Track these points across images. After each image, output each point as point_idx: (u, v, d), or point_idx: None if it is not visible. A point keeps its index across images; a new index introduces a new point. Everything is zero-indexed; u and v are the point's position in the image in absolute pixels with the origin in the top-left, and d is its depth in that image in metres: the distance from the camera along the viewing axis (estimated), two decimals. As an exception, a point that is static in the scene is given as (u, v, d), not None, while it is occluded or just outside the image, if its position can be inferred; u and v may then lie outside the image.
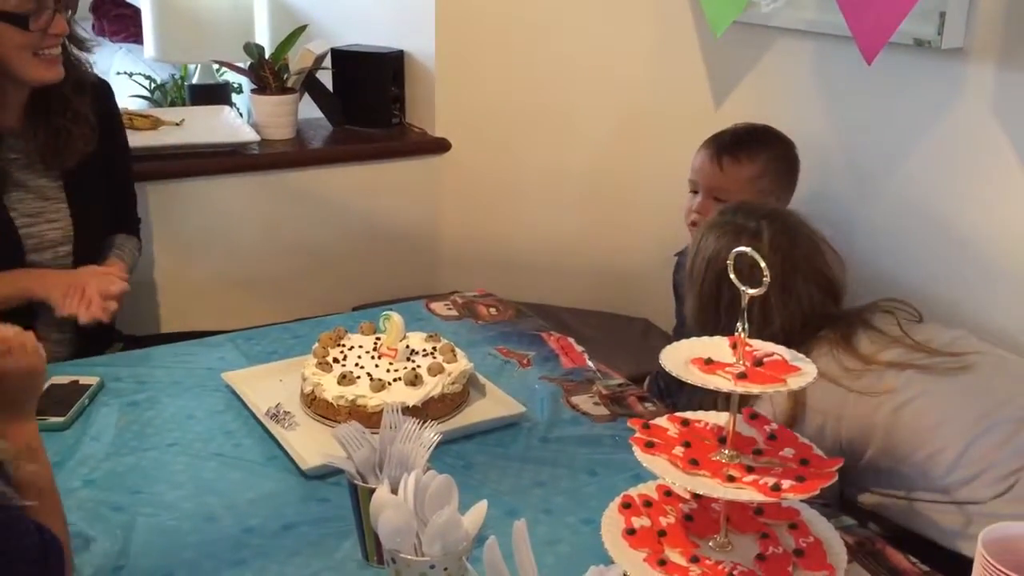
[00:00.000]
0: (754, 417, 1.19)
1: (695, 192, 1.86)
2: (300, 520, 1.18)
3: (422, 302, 1.88)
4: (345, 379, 1.39)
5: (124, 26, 4.21)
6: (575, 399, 1.51)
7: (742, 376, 1.06)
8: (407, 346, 1.50)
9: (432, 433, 1.10)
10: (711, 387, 1.04)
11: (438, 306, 1.86)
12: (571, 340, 1.73)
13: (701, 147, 1.86)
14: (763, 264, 1.04)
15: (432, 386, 1.40)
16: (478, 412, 1.43)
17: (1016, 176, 1.61)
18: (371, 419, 1.31)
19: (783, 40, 2.01)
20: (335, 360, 1.45)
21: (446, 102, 2.46)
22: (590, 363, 1.64)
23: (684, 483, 1.05)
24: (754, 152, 1.82)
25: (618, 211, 2.49)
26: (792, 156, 1.86)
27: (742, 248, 1.09)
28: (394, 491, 0.99)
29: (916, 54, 1.69)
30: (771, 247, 1.44)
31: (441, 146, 2.49)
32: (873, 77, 1.76)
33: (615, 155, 2.46)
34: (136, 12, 3.46)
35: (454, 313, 1.83)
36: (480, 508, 0.97)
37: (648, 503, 1.19)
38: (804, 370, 1.09)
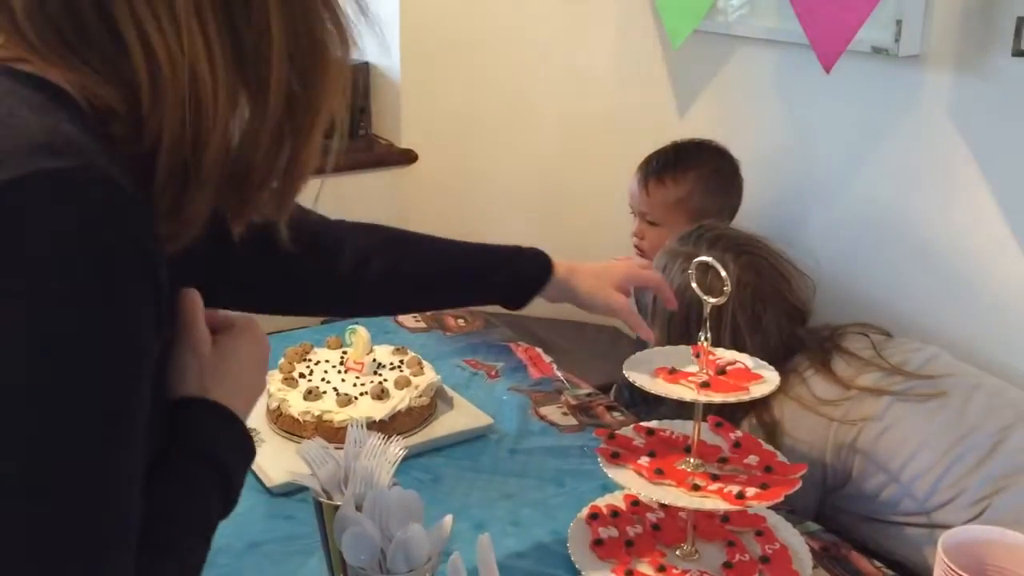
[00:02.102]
0: (719, 425, 1.20)
1: (634, 215, 1.90)
2: (266, 538, 1.17)
3: (389, 314, 1.87)
4: (311, 394, 1.38)
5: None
6: (543, 410, 1.51)
7: (705, 385, 1.06)
8: (374, 359, 1.49)
9: (397, 448, 1.09)
10: (674, 397, 1.05)
11: (406, 318, 1.85)
12: (539, 350, 1.73)
13: (636, 170, 1.88)
14: (723, 273, 1.05)
15: (399, 400, 1.39)
16: (446, 425, 1.43)
17: (972, 182, 1.64)
18: (338, 434, 1.30)
19: (745, 48, 2.02)
20: (301, 375, 1.44)
21: (412, 113, 2.46)
22: (558, 373, 1.64)
23: (649, 493, 1.06)
24: (679, 173, 1.83)
25: (586, 219, 2.50)
26: (727, 169, 1.88)
27: (703, 258, 1.10)
28: (359, 508, 0.99)
29: (874, 61, 1.71)
30: (739, 283, 1.45)
31: (408, 157, 2.49)
32: (832, 85, 1.78)
33: (581, 164, 2.47)
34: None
35: (422, 325, 1.82)
36: (445, 523, 0.96)
37: (615, 513, 1.19)
38: (767, 377, 1.10)
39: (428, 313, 1.86)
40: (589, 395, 1.57)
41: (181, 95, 0.58)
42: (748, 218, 1.90)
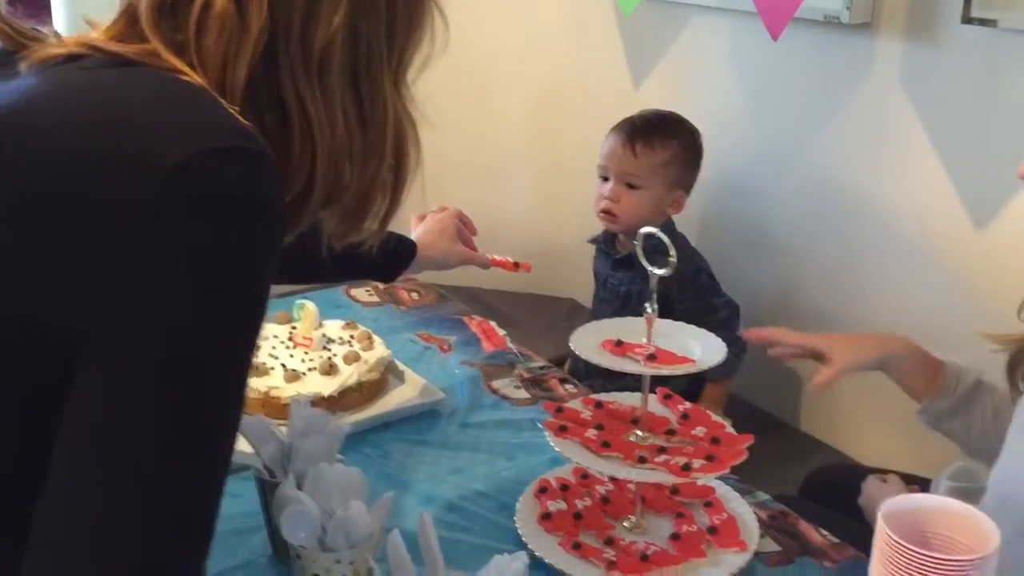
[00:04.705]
0: (668, 397, 1.19)
1: (605, 179, 1.85)
2: (210, 517, 1.15)
3: (342, 288, 1.85)
4: (257, 370, 1.36)
5: (38, 9, 4.09)
6: (496, 383, 1.50)
7: (652, 357, 1.06)
8: (323, 334, 1.47)
9: (341, 424, 1.08)
10: (620, 369, 1.04)
11: (359, 292, 1.83)
12: (493, 324, 1.71)
13: (611, 133, 1.85)
14: (667, 241, 1.04)
15: (348, 375, 1.37)
16: (396, 400, 1.41)
17: (924, 149, 1.64)
18: (285, 411, 1.27)
19: (698, 17, 2.01)
20: (248, 351, 1.42)
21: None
22: (511, 346, 1.62)
23: (595, 466, 1.05)
24: (666, 138, 1.82)
25: (543, 190, 2.49)
26: (698, 145, 1.87)
27: (649, 229, 1.09)
28: (301, 486, 0.97)
29: (826, 29, 1.71)
30: None
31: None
32: (785, 53, 1.77)
33: (538, 134, 2.45)
34: (47, -5, 3.34)
35: (375, 299, 1.80)
36: (386, 500, 0.95)
37: (565, 487, 1.19)
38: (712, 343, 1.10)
39: (382, 287, 1.84)
40: (542, 368, 1.56)
41: (327, 150, 0.75)
42: (704, 188, 1.90)
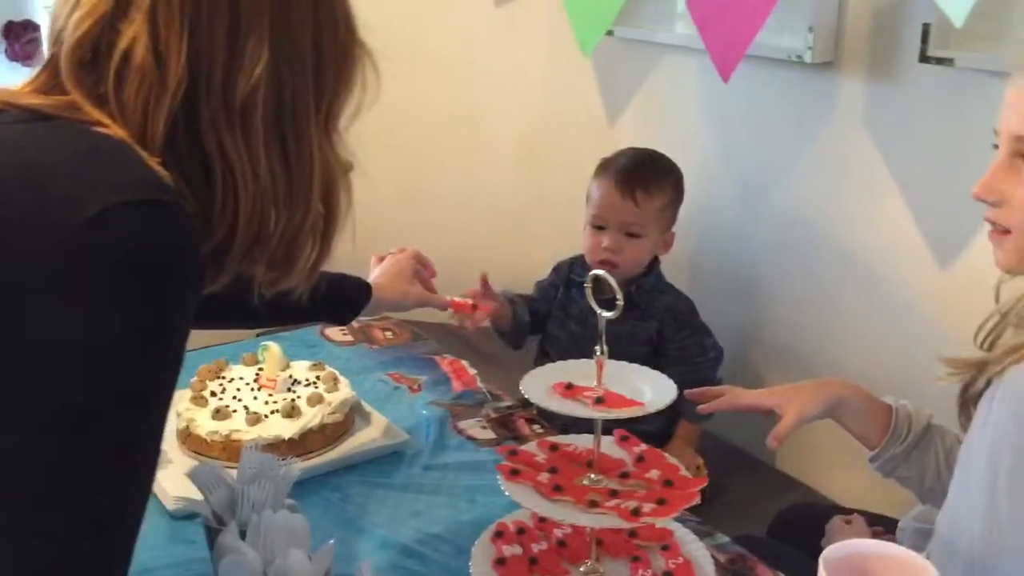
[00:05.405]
0: (625, 439, 1.19)
1: (600, 227, 1.77)
2: (161, 563, 1.15)
3: (317, 328, 1.85)
4: (219, 413, 1.35)
5: (37, 49, 4.13)
6: (462, 424, 1.49)
7: (600, 401, 1.05)
8: (289, 376, 1.47)
9: (291, 470, 1.07)
10: (568, 413, 1.04)
11: (333, 331, 1.83)
12: (464, 363, 1.71)
13: (601, 179, 1.77)
14: (614, 284, 1.04)
15: (310, 417, 1.37)
16: (359, 442, 1.40)
17: (885, 185, 1.65)
18: (246, 454, 1.28)
19: (669, 56, 2.03)
20: (212, 393, 1.42)
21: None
22: (481, 385, 1.62)
23: (545, 511, 1.04)
24: (661, 182, 1.77)
25: (521, 226, 2.49)
26: (682, 182, 1.84)
27: (598, 272, 1.09)
28: (245, 534, 0.97)
29: (790, 68, 1.72)
30: None
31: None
32: (752, 91, 1.78)
33: (516, 171, 2.47)
34: (40, 37, 3.38)
35: (349, 338, 1.80)
36: (328, 549, 0.94)
37: (521, 530, 1.17)
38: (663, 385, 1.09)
39: (356, 326, 1.84)
40: (510, 407, 1.55)
41: (249, 196, 0.76)
42: (675, 226, 1.90)
